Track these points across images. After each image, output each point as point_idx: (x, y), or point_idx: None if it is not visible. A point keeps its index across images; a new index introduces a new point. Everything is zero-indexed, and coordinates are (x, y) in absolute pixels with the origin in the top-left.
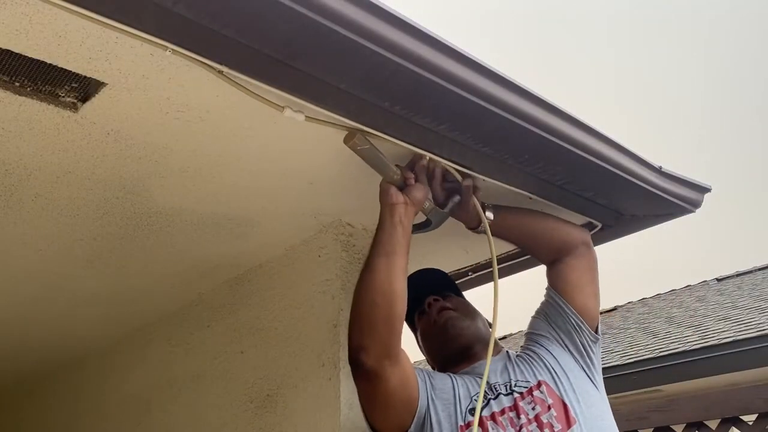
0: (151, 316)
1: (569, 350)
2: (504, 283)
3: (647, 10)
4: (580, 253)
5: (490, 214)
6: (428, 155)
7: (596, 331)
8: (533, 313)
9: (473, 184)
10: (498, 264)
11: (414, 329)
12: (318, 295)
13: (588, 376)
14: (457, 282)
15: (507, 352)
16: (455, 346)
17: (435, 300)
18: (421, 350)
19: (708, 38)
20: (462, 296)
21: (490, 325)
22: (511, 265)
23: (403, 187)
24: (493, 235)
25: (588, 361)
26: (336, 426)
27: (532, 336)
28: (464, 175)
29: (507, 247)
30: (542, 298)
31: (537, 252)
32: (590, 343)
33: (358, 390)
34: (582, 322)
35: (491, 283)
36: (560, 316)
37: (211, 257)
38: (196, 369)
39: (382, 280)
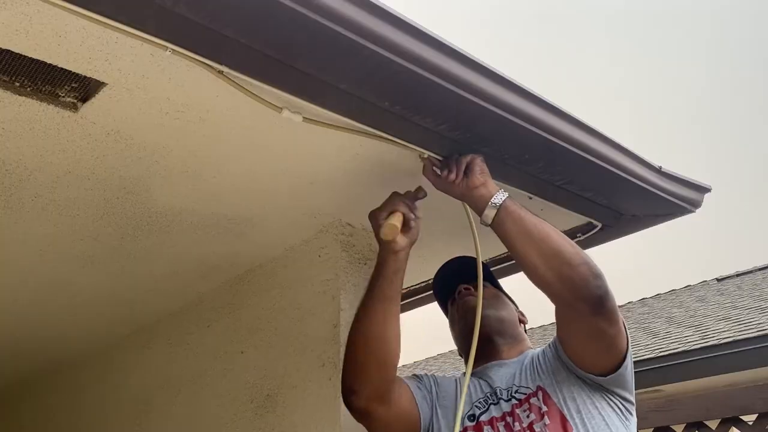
0: (151, 316)
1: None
2: (506, 282)
3: (647, 10)
4: (579, 312)
5: (489, 214)
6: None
7: (609, 374)
8: None
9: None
10: (498, 264)
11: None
12: (318, 295)
13: (603, 394)
14: None
15: (529, 353)
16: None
17: (466, 288)
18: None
19: (709, 38)
20: (498, 286)
21: (522, 321)
22: (512, 265)
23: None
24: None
25: (601, 387)
26: (336, 426)
27: (552, 341)
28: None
29: None
30: None
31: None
32: (600, 383)
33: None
34: (581, 375)
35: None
36: (562, 358)
37: (211, 257)
38: (196, 369)
39: (379, 326)
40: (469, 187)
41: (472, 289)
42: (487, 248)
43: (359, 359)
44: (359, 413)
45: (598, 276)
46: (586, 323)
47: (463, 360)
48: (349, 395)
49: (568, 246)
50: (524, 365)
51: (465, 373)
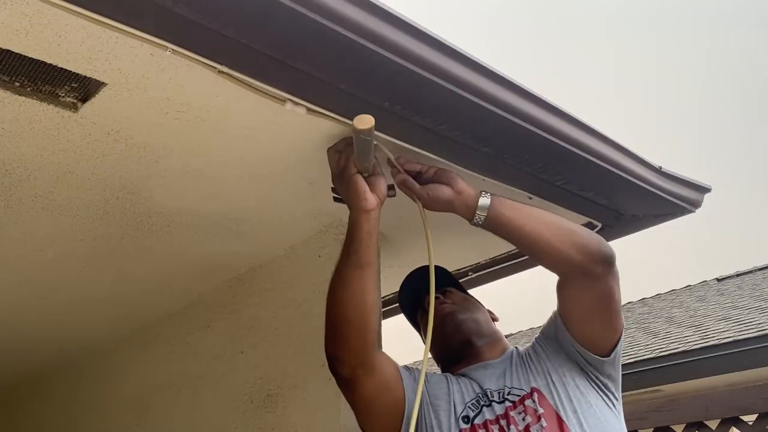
0: (151, 316)
1: (574, 362)
2: (505, 282)
3: (647, 10)
4: (594, 277)
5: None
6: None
7: (610, 353)
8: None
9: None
10: (498, 264)
11: (418, 329)
12: (318, 295)
13: (596, 389)
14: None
15: (513, 352)
16: (454, 342)
17: (435, 298)
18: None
19: (708, 38)
20: (464, 291)
21: (494, 319)
22: (511, 265)
23: (368, 176)
24: (493, 232)
25: (595, 378)
26: (336, 426)
27: (540, 335)
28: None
29: (508, 246)
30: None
31: (541, 263)
32: (597, 367)
33: (344, 397)
34: (583, 353)
35: (491, 283)
36: (561, 341)
37: (211, 257)
38: (196, 369)
39: (356, 294)
40: (455, 193)
41: (442, 297)
42: (484, 251)
43: (339, 328)
44: (345, 381)
45: (601, 238)
46: (601, 286)
47: (439, 367)
48: (334, 363)
49: (564, 219)
50: (513, 365)
51: (463, 372)
